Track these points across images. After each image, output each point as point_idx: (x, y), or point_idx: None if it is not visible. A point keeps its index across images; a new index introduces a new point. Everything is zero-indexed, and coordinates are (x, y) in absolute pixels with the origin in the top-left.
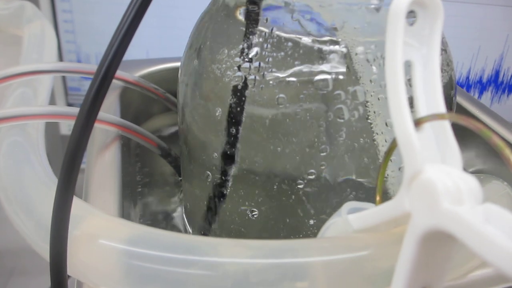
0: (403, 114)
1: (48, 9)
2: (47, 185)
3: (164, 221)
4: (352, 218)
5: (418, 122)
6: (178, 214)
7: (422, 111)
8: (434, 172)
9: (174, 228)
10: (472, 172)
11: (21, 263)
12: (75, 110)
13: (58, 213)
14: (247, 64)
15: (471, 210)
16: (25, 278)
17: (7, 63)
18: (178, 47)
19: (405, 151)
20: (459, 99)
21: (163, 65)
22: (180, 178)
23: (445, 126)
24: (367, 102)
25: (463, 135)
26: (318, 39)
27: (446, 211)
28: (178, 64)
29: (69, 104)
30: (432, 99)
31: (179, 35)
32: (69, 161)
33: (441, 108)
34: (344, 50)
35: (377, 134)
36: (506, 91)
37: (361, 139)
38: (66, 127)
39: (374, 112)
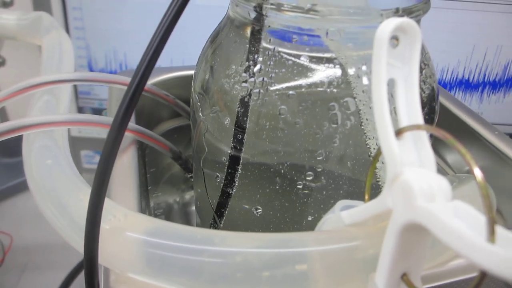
0: (386, 126)
1: (60, 17)
2: (76, 184)
3: (175, 216)
4: (344, 214)
5: (399, 132)
6: (189, 209)
7: (403, 122)
8: (411, 175)
9: (185, 223)
10: (465, 173)
11: (33, 260)
12: (97, 117)
13: (93, 211)
14: (252, 79)
15: (441, 206)
16: (37, 274)
17: (18, 66)
18: (173, 53)
19: (388, 157)
20: (447, 103)
21: (172, 74)
22: (189, 176)
23: (423, 135)
24: (360, 110)
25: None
26: (316, 55)
27: (420, 207)
28: (185, 72)
29: (79, 107)
30: (412, 111)
31: (176, 41)
32: (103, 166)
33: (419, 119)
34: (339, 65)
35: (369, 139)
36: (502, 91)
37: (355, 144)
38: (76, 129)
39: (367, 119)
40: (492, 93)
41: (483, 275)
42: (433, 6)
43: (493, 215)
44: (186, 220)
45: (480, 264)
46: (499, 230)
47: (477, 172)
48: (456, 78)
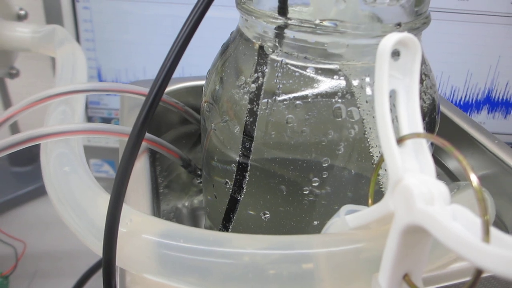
0: (388, 134)
1: (72, 29)
2: (93, 190)
3: (184, 220)
4: (348, 218)
5: (400, 140)
6: (197, 213)
7: (404, 130)
8: (412, 180)
9: (194, 226)
10: (465, 181)
11: (42, 267)
12: (112, 126)
13: (112, 215)
14: (260, 90)
15: (440, 209)
16: (46, 281)
17: (31, 77)
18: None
19: (389, 163)
20: (448, 113)
21: (183, 84)
22: (198, 181)
23: (423, 143)
24: (363, 119)
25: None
26: (321, 67)
27: (420, 210)
28: (195, 83)
29: (89, 117)
30: (412, 120)
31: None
32: (122, 173)
33: (420, 128)
34: (343, 77)
35: (372, 147)
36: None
37: (359, 152)
38: (85, 138)
39: (370, 128)
40: (494, 109)
41: (479, 273)
42: (436, 18)
43: (487, 217)
44: (194, 223)
45: (475, 262)
46: (493, 231)
47: (473, 177)
48: (459, 94)
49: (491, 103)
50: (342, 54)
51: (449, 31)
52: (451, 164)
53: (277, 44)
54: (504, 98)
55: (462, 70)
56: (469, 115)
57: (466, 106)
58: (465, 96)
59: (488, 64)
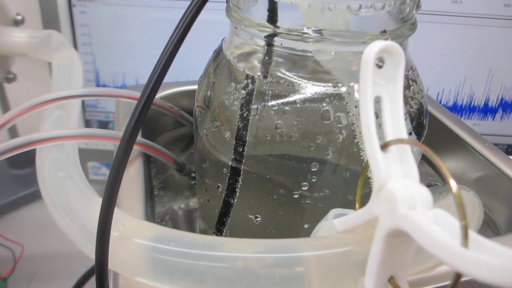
0: (372, 140)
1: (69, 33)
2: (87, 195)
3: (179, 222)
4: (336, 222)
5: (385, 145)
6: (193, 215)
7: (389, 136)
8: (395, 185)
9: (189, 229)
10: (461, 182)
11: (40, 269)
12: (106, 132)
13: (104, 219)
14: (251, 96)
15: (422, 214)
16: (44, 283)
17: (28, 81)
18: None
19: (374, 168)
20: (439, 115)
21: (178, 89)
22: (193, 183)
23: (407, 148)
24: (353, 124)
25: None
26: (310, 75)
27: (402, 215)
28: (188, 87)
29: (86, 120)
30: (396, 126)
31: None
32: (113, 178)
33: (404, 134)
34: (331, 83)
35: (362, 151)
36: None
37: (347, 156)
38: (82, 142)
39: (360, 133)
40: (489, 111)
41: (458, 277)
42: (430, 21)
43: (465, 222)
44: (190, 225)
45: (454, 266)
46: (473, 235)
47: (452, 183)
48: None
49: (485, 105)
50: (330, 60)
51: (443, 33)
52: (448, 166)
53: (265, 70)
54: (499, 100)
55: (456, 73)
56: (463, 117)
57: (461, 109)
58: (460, 99)
59: (482, 66)
